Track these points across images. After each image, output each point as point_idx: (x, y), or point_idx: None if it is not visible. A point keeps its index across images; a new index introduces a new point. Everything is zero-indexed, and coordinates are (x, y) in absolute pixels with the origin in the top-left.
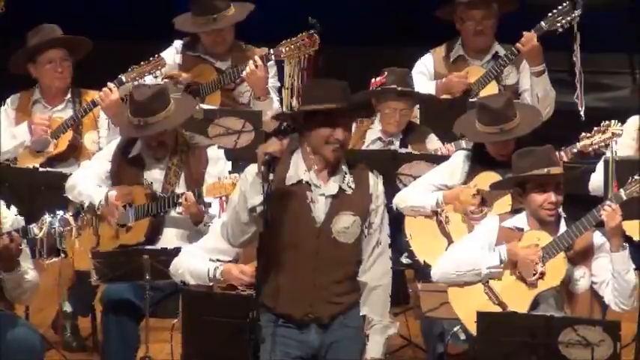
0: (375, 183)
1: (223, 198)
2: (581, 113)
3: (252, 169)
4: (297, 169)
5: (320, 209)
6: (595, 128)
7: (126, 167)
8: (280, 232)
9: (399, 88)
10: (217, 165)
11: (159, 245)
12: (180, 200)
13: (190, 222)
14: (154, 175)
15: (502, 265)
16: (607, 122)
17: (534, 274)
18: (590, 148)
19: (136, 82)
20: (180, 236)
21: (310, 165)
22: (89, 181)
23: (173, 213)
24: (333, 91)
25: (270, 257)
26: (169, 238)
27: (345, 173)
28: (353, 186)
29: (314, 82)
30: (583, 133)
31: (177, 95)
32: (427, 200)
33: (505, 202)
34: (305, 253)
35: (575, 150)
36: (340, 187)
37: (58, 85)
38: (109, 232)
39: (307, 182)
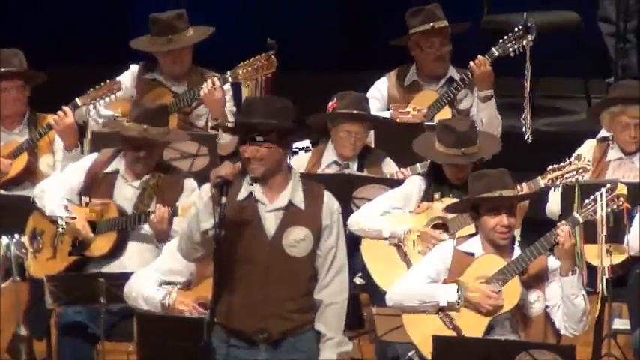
0: (330, 200)
1: None
2: (527, 136)
3: (207, 188)
4: (248, 186)
5: (270, 222)
6: (562, 163)
7: (99, 182)
8: (233, 248)
9: (356, 112)
10: (192, 197)
11: (120, 260)
12: (151, 216)
13: (154, 241)
14: (125, 195)
15: (460, 302)
16: (576, 158)
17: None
18: (559, 182)
19: (91, 106)
20: (142, 253)
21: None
22: (58, 198)
23: (140, 229)
24: (257, 107)
25: (224, 272)
26: (132, 253)
27: (296, 188)
28: (305, 200)
29: (249, 99)
30: (550, 167)
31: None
32: (385, 226)
33: (468, 230)
34: (257, 267)
35: (544, 183)
36: (290, 202)
37: (15, 111)
38: (68, 245)
39: (256, 199)
